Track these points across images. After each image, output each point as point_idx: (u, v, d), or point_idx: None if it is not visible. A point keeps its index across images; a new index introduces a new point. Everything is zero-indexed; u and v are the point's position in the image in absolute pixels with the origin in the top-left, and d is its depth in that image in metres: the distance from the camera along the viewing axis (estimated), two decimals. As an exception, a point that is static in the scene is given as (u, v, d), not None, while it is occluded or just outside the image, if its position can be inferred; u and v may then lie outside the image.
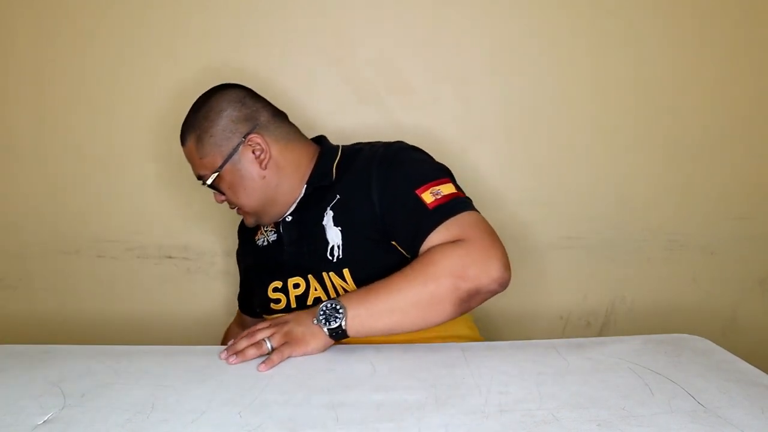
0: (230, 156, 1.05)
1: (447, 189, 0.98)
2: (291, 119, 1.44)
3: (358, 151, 1.10)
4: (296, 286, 1.07)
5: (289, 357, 0.88)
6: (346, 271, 1.02)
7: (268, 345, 0.89)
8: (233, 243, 1.44)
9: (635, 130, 1.44)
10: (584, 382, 0.79)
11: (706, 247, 1.48)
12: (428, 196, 0.97)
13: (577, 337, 1.42)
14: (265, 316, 1.14)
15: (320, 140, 1.17)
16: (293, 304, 1.07)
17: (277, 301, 1.08)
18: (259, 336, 0.90)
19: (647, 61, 1.42)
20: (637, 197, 1.46)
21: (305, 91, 1.42)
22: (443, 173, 1.04)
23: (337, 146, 1.14)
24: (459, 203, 0.97)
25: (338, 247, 1.03)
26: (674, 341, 0.94)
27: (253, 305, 1.21)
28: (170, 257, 1.46)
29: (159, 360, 0.88)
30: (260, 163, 1.06)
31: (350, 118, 1.41)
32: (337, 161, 1.10)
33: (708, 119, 1.44)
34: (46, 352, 0.91)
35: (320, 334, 0.90)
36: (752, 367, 0.84)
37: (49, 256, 1.46)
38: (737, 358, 0.88)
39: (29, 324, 1.48)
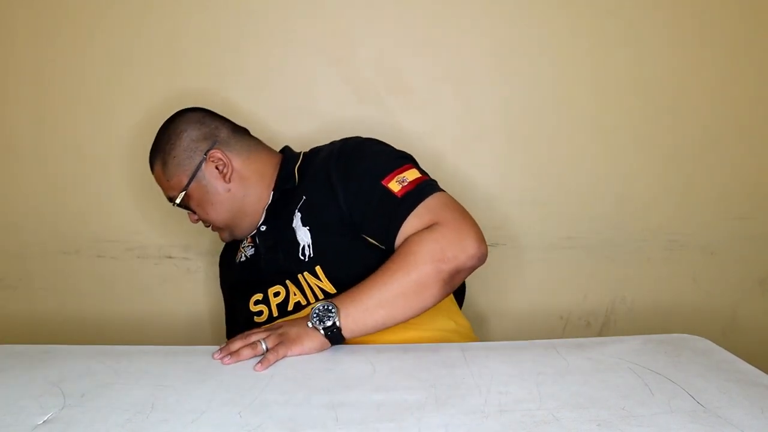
0: (194, 174, 1.10)
1: (412, 175, 1.00)
2: (291, 119, 1.44)
3: (317, 152, 1.13)
4: (276, 294, 1.07)
5: (284, 356, 0.88)
6: (318, 269, 1.02)
7: (263, 346, 0.89)
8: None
9: (635, 130, 1.44)
10: (584, 382, 0.79)
11: (706, 247, 1.48)
12: (395, 185, 0.98)
13: (577, 337, 1.43)
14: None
15: (284, 150, 1.20)
16: (275, 313, 1.07)
17: (260, 313, 1.08)
18: (254, 338, 0.91)
19: (647, 61, 1.42)
20: (637, 197, 1.46)
21: (305, 91, 1.42)
22: (405, 160, 1.05)
23: (299, 152, 1.17)
24: (426, 186, 0.99)
25: (308, 246, 1.04)
26: (674, 341, 0.94)
27: (238, 327, 1.18)
28: (170, 257, 1.46)
29: (159, 360, 0.87)
30: (224, 177, 1.10)
31: (350, 118, 1.41)
32: (298, 164, 1.13)
33: (708, 119, 1.44)
34: (46, 352, 0.91)
35: (315, 335, 0.91)
36: (752, 367, 0.84)
37: (49, 256, 1.46)
38: (737, 358, 0.88)
39: (29, 324, 1.48)
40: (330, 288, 1.02)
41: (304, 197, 1.07)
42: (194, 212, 1.14)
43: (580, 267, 1.48)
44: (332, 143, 1.12)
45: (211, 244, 1.45)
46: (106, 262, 1.46)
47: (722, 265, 1.49)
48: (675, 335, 0.97)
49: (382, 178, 1.00)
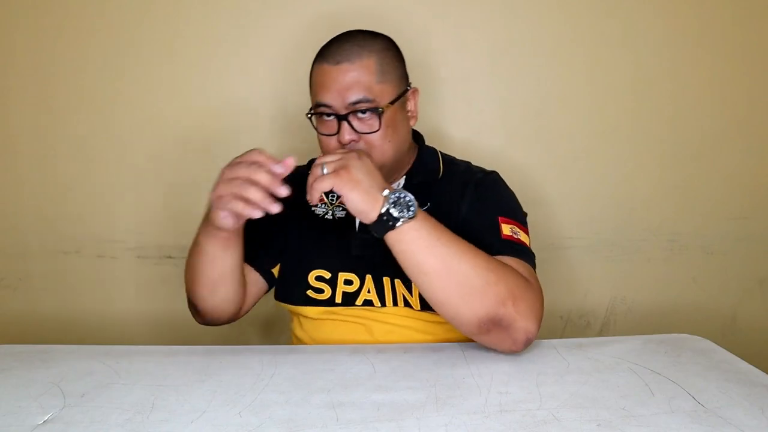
0: (401, 95, 0.97)
1: (524, 237, 0.96)
2: (292, 119, 1.44)
3: (453, 162, 1.08)
4: (348, 282, 0.99)
5: (329, 190, 0.81)
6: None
7: (324, 170, 0.81)
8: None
9: (635, 130, 1.44)
10: (584, 382, 0.79)
11: (706, 247, 1.48)
12: (506, 228, 0.94)
13: (577, 337, 1.42)
14: (290, 305, 1.03)
15: (418, 137, 1.10)
16: (338, 299, 0.99)
17: (319, 290, 1.00)
18: (323, 159, 0.83)
19: (647, 62, 1.42)
20: (637, 197, 1.46)
21: (306, 91, 1.41)
22: (525, 222, 1.01)
23: (435, 148, 1.10)
24: (528, 253, 0.94)
25: None
26: (674, 341, 0.94)
27: (264, 264, 1.05)
28: (170, 257, 1.46)
29: (159, 360, 0.87)
30: (410, 118, 1.01)
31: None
32: (441, 163, 1.06)
33: (708, 120, 1.45)
34: (46, 352, 0.91)
35: (375, 202, 0.81)
36: (752, 367, 0.84)
37: (49, 256, 1.46)
38: (737, 358, 0.88)
39: (29, 324, 1.48)
40: (416, 303, 0.97)
41: (428, 203, 0.99)
42: (356, 132, 0.94)
43: (580, 267, 1.48)
44: (471, 166, 1.08)
45: (211, 244, 1.45)
46: (106, 262, 1.46)
47: (722, 265, 1.49)
48: (675, 335, 0.97)
49: (502, 216, 0.96)
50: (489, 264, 0.84)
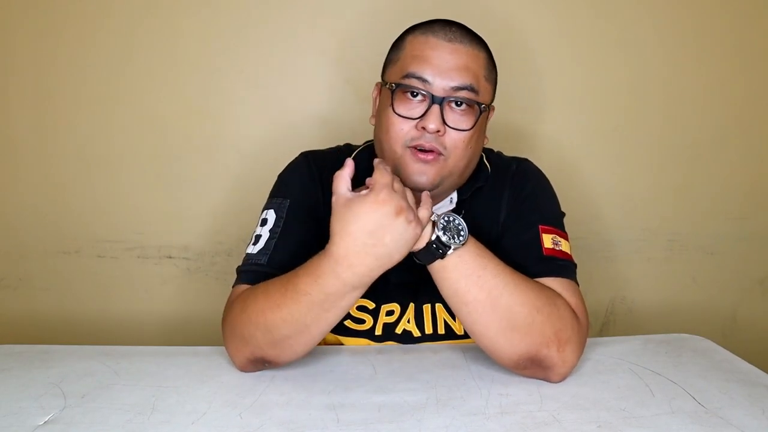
0: (489, 104, 0.89)
1: (566, 247, 0.89)
2: (292, 119, 1.44)
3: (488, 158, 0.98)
4: (389, 313, 0.93)
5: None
6: None
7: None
8: (233, 243, 1.44)
9: (635, 130, 1.44)
10: (584, 383, 0.79)
11: (706, 247, 1.48)
12: (548, 240, 0.86)
13: (577, 337, 1.42)
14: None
15: None
16: (378, 331, 0.92)
17: (360, 321, 0.93)
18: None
19: (647, 61, 1.42)
20: (636, 197, 1.46)
21: (306, 91, 1.41)
22: (564, 227, 0.93)
23: None
24: (570, 269, 0.87)
25: None
26: (674, 341, 0.94)
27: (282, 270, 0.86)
28: (170, 257, 1.46)
29: (159, 361, 0.87)
30: (485, 130, 0.91)
31: (351, 118, 1.41)
32: (486, 160, 0.97)
33: (707, 120, 1.45)
34: (46, 352, 0.91)
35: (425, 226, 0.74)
36: (753, 367, 0.84)
37: (49, 256, 1.45)
38: (738, 358, 0.88)
39: (29, 324, 1.48)
40: (459, 329, 0.92)
41: (463, 211, 0.92)
42: (445, 123, 0.83)
43: (580, 267, 1.47)
44: (500, 156, 1.00)
45: (211, 244, 1.45)
46: (106, 262, 1.46)
47: (722, 265, 1.49)
48: (675, 335, 0.97)
49: (542, 223, 0.88)
50: (537, 300, 0.77)
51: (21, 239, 1.45)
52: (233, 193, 1.43)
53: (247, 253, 0.88)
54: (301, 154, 0.99)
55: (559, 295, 0.81)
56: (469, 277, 0.75)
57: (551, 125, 1.43)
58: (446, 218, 0.76)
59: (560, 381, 0.79)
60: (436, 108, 0.81)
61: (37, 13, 1.38)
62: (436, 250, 0.75)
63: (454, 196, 0.93)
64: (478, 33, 0.91)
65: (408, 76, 0.83)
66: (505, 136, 1.43)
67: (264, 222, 0.90)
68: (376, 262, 0.71)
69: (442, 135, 0.83)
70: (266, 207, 0.93)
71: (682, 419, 0.69)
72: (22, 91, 1.41)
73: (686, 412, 0.70)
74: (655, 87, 1.43)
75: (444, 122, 0.82)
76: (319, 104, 1.41)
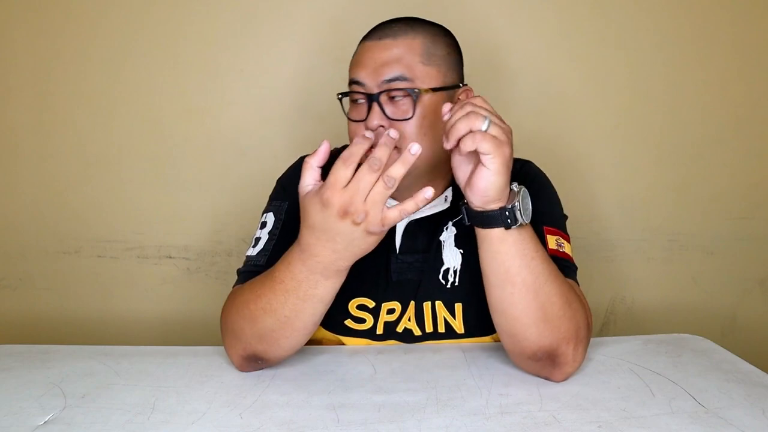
0: (447, 88, 0.87)
1: (568, 249, 0.89)
2: (292, 119, 1.44)
3: None
4: (390, 311, 0.92)
5: (488, 153, 0.71)
6: (458, 307, 0.90)
7: (485, 125, 0.71)
8: (233, 243, 1.44)
9: (635, 130, 1.44)
10: (585, 383, 0.79)
11: (706, 247, 1.48)
12: (552, 241, 0.87)
13: (577, 337, 1.42)
14: (327, 331, 0.94)
15: None
16: (379, 330, 0.92)
17: (360, 320, 0.92)
18: (487, 113, 0.72)
19: (647, 61, 1.42)
20: (637, 197, 1.46)
21: (306, 91, 1.41)
22: (566, 229, 0.94)
23: None
24: (572, 269, 0.88)
25: (454, 272, 0.89)
26: (674, 341, 0.94)
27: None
28: (170, 257, 1.46)
29: (159, 361, 0.87)
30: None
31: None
32: None
33: (707, 119, 1.44)
34: (46, 352, 0.91)
35: (506, 191, 0.73)
36: (753, 367, 0.84)
37: (49, 256, 1.46)
38: (738, 358, 0.88)
39: (29, 324, 1.48)
40: (459, 327, 0.91)
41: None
42: (387, 118, 0.83)
43: (581, 267, 1.47)
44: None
45: (211, 244, 1.45)
46: (106, 262, 1.46)
47: (722, 265, 1.49)
48: (675, 335, 0.97)
49: (546, 225, 0.88)
50: (570, 295, 0.78)
51: (21, 239, 1.45)
52: (233, 193, 1.43)
53: (247, 256, 0.91)
54: (300, 157, 1.00)
55: (580, 295, 0.82)
56: (524, 257, 0.74)
57: (551, 125, 1.43)
58: (524, 192, 0.74)
59: (563, 380, 0.79)
60: (375, 106, 0.83)
61: (37, 13, 1.38)
62: (506, 218, 0.72)
63: (449, 194, 0.93)
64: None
65: (350, 83, 0.87)
66: (505, 136, 1.43)
67: (263, 225, 0.93)
68: (334, 255, 0.72)
69: (389, 129, 0.81)
70: (266, 210, 0.96)
71: (682, 419, 0.69)
72: (22, 91, 1.41)
73: (686, 412, 0.70)
74: (655, 87, 1.43)
75: (386, 116, 0.83)
76: (319, 104, 1.41)
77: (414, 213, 0.73)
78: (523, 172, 0.96)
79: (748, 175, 1.47)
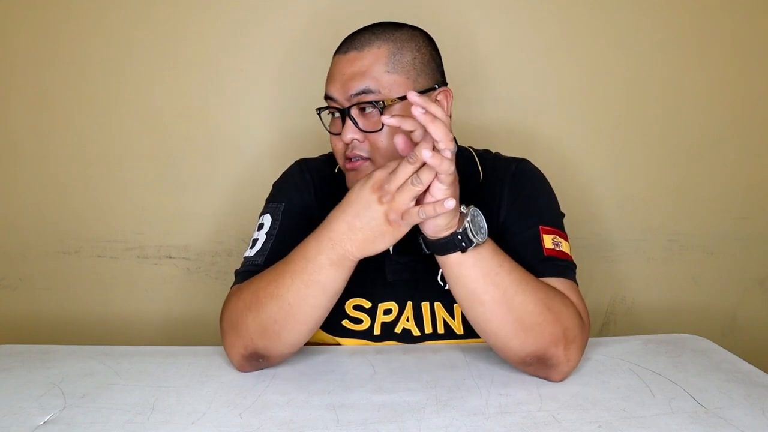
0: (423, 92, 0.86)
1: (566, 247, 0.89)
2: (292, 119, 1.44)
3: (484, 158, 0.98)
4: (387, 312, 0.92)
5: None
6: (457, 307, 0.91)
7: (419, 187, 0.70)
8: (233, 243, 1.44)
9: (635, 130, 1.44)
10: (585, 383, 0.79)
11: (706, 247, 1.48)
12: (548, 241, 0.87)
13: (577, 337, 1.42)
14: (323, 332, 0.94)
15: None
16: (376, 331, 0.92)
17: (357, 321, 0.93)
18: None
19: (647, 61, 1.42)
20: (637, 197, 1.46)
21: (306, 91, 1.41)
22: (564, 227, 0.94)
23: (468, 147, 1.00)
24: (570, 268, 0.87)
25: None
26: (674, 341, 0.94)
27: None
28: (170, 257, 1.46)
29: (159, 360, 0.87)
30: None
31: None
32: (478, 162, 0.96)
33: (707, 119, 1.44)
34: (46, 352, 0.91)
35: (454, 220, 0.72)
36: (753, 367, 0.84)
37: (49, 256, 1.46)
38: (738, 358, 0.88)
39: (29, 324, 1.48)
40: (458, 328, 0.92)
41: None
42: (362, 130, 0.85)
43: (580, 267, 1.47)
44: (497, 156, 1.00)
45: (211, 244, 1.45)
46: (106, 262, 1.46)
47: (722, 265, 1.49)
48: (675, 335, 0.97)
49: (543, 224, 0.88)
50: (548, 299, 0.77)
51: (21, 239, 1.45)
52: (233, 193, 1.43)
53: (245, 257, 0.92)
54: (296, 162, 1.03)
55: (565, 295, 0.81)
56: (487, 275, 0.74)
57: (551, 125, 1.43)
58: (474, 212, 0.74)
59: (561, 380, 0.80)
60: (347, 120, 0.85)
61: (37, 13, 1.38)
62: (460, 242, 0.73)
63: None
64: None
65: (325, 98, 0.90)
66: (505, 136, 1.43)
67: (261, 226, 0.94)
68: (348, 230, 0.74)
69: (363, 142, 0.86)
70: (263, 212, 0.97)
71: (682, 419, 0.69)
72: (22, 91, 1.41)
73: (686, 412, 0.70)
74: (655, 87, 1.43)
75: (360, 129, 0.85)
76: (319, 104, 1.41)
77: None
78: (518, 172, 0.96)
79: (748, 175, 1.47)
